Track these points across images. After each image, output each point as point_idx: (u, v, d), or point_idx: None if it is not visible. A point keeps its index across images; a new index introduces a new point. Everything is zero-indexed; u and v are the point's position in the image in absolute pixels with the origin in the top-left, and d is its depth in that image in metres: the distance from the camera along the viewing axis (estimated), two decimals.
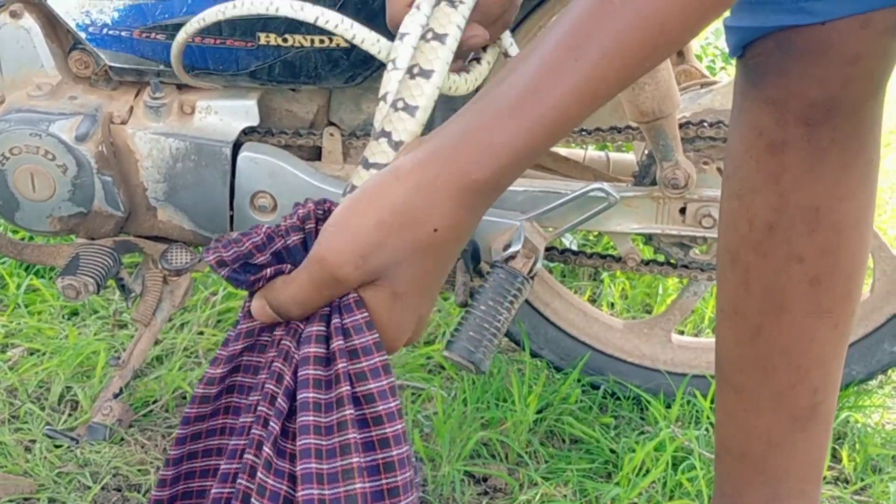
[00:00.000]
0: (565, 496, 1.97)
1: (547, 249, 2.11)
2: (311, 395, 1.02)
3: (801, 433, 1.41)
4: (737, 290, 1.38)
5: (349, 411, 1.02)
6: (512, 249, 2.07)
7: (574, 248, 2.56)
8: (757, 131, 1.32)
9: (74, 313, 2.44)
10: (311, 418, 1.02)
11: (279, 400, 1.04)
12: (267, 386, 1.05)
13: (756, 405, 1.41)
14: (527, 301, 2.15)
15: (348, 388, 1.02)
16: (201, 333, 2.38)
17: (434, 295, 1.03)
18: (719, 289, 1.42)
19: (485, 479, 2.03)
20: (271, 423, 1.04)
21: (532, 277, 2.07)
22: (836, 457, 2.08)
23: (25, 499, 1.90)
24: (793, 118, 1.29)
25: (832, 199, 1.32)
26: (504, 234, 2.08)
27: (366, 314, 1.02)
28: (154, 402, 2.17)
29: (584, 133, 2.09)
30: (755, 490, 1.44)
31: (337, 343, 1.03)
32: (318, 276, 1.01)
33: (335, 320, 1.03)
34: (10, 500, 1.89)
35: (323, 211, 1.04)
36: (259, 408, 1.05)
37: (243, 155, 2.02)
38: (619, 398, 2.20)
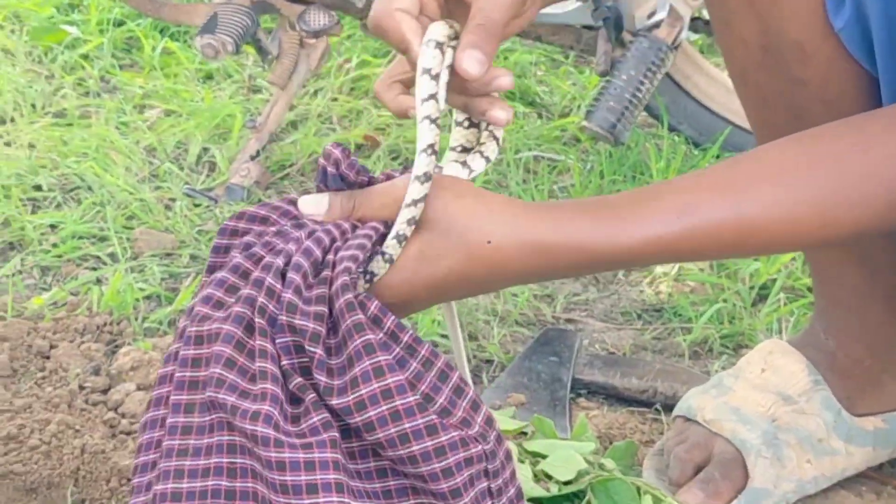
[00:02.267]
0: (702, 270, 1.95)
1: (692, 19, 2.05)
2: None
3: None
4: (761, 109, 1.36)
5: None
6: (657, 18, 2.01)
7: None
8: None
9: (209, 77, 2.44)
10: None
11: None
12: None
13: None
14: (666, 74, 2.10)
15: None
16: (335, 100, 2.37)
17: (430, 304, 1.08)
18: (745, 110, 1.40)
19: None
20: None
21: (676, 47, 2.02)
22: None
23: (167, 254, 1.93)
24: None
25: (815, 35, 1.26)
26: (649, 1, 2.02)
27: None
28: (290, 165, 2.18)
29: None
30: None
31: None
32: (390, 186, 1.07)
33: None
34: (154, 255, 1.92)
35: None
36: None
37: None
38: None
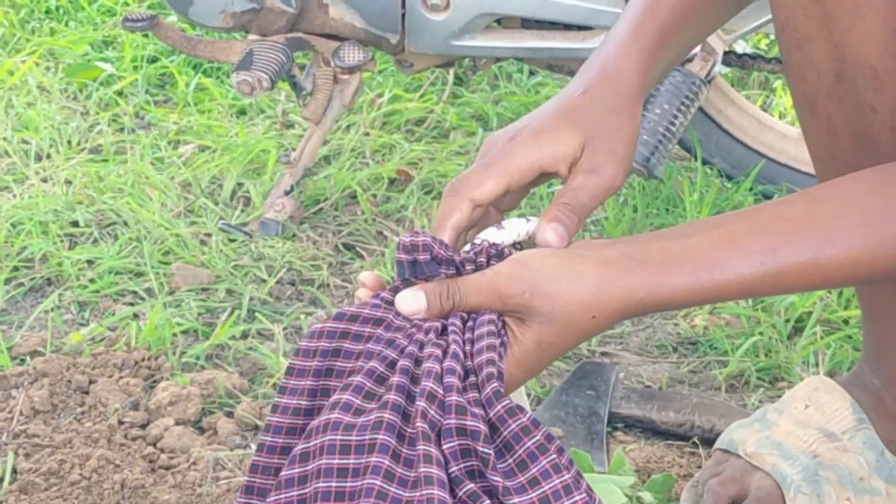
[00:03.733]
0: (737, 303, 1.95)
1: (724, 53, 2.06)
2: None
3: None
4: (827, 137, 1.34)
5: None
6: (690, 52, 2.02)
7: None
8: None
9: (242, 112, 2.46)
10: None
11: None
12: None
13: None
14: (699, 108, 2.10)
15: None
16: (367, 134, 2.38)
17: (543, 367, 1.14)
18: (808, 138, 1.39)
19: None
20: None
21: (709, 81, 2.03)
22: None
23: (203, 289, 1.94)
24: None
25: (889, 61, 1.25)
26: None
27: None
28: (324, 199, 2.19)
29: None
30: None
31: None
32: (489, 281, 1.10)
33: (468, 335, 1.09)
34: (190, 290, 1.93)
35: (496, 251, 1.11)
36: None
37: None
38: None
